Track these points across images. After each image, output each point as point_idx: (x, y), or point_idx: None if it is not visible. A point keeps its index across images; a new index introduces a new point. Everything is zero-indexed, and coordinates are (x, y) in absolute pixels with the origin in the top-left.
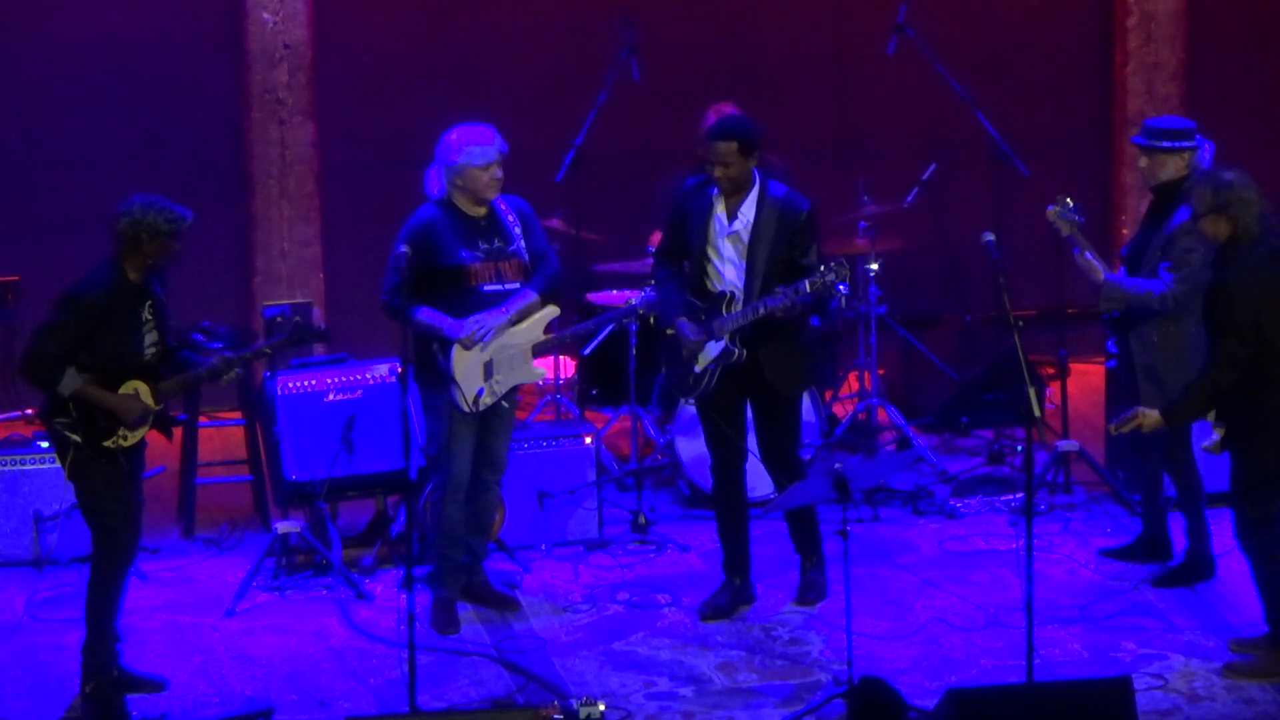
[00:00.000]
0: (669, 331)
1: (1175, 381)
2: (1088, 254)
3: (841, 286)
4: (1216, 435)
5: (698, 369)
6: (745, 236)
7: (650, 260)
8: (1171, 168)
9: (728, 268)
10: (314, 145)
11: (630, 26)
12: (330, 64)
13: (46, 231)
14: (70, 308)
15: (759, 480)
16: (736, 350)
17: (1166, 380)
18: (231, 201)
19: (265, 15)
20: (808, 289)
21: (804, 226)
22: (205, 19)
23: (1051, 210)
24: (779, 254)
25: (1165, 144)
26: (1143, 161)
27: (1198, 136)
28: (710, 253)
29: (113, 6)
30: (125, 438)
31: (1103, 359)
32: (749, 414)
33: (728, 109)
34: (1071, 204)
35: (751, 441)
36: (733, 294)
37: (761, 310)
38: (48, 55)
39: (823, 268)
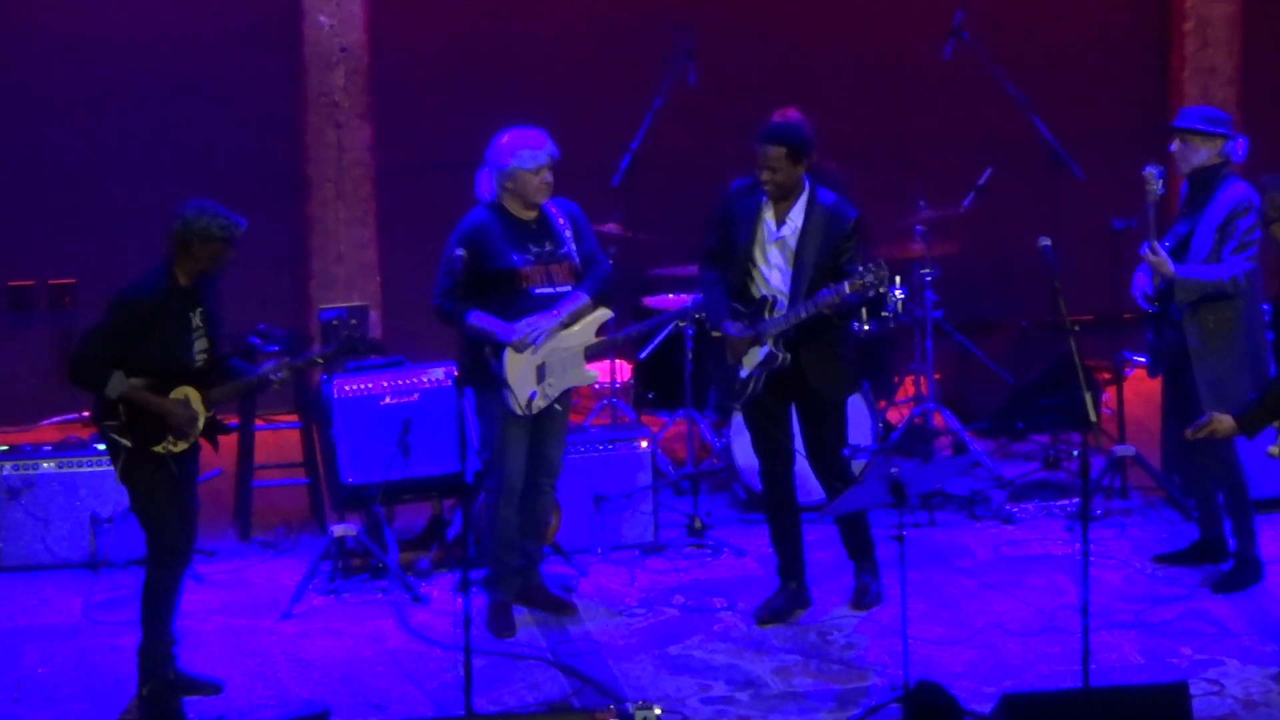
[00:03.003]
0: (715, 334)
1: (1228, 365)
2: (1160, 249)
3: (899, 290)
4: (1279, 439)
5: (743, 374)
6: (792, 243)
7: None
8: (1204, 152)
9: (774, 273)
10: (370, 148)
11: (687, 31)
12: (386, 67)
13: (103, 234)
14: (118, 310)
15: (815, 484)
16: (780, 355)
17: (1220, 365)
18: (288, 204)
19: (322, 18)
20: (847, 290)
21: (851, 234)
22: (261, 22)
23: (1148, 172)
24: (825, 261)
25: (1200, 126)
26: (1175, 145)
27: (1232, 130)
28: (756, 257)
29: (170, 9)
30: (175, 443)
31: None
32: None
33: (792, 115)
34: (1159, 174)
35: (800, 445)
36: (774, 299)
37: (803, 313)
38: (105, 58)
39: (860, 269)
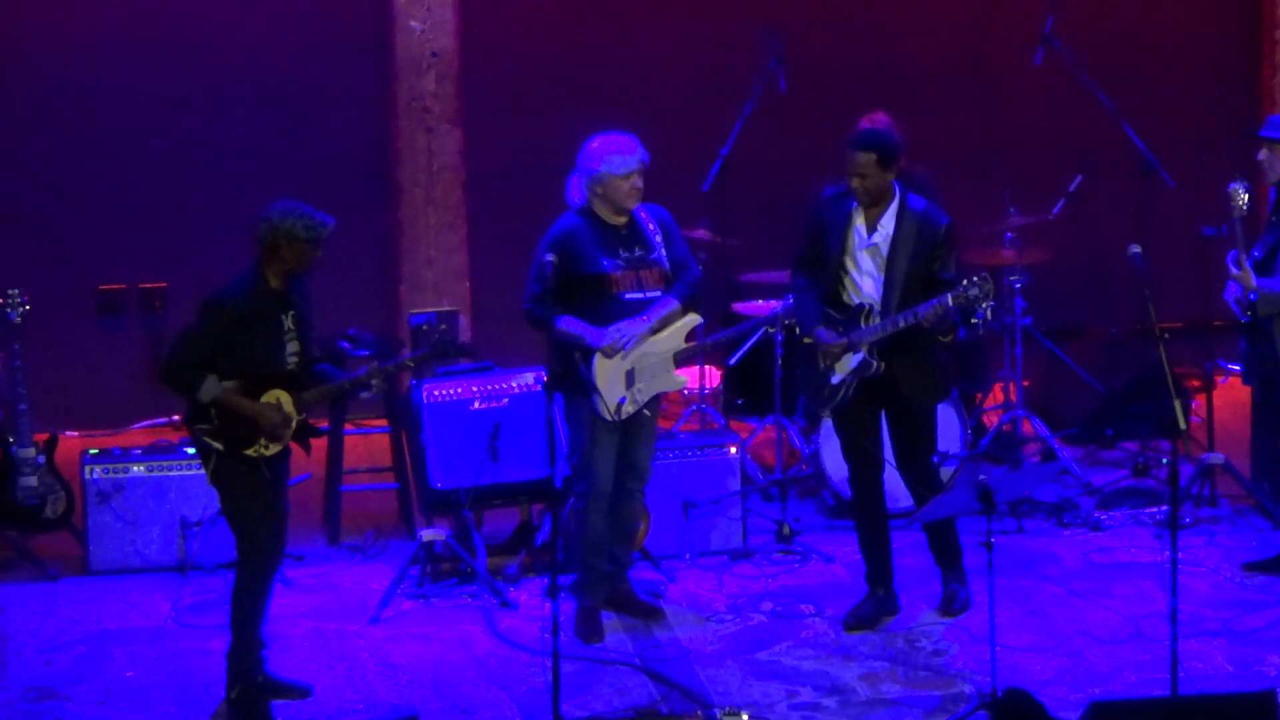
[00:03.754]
0: (806, 340)
1: None
2: (1247, 261)
3: None
4: None
5: (835, 380)
6: (884, 249)
7: None
8: None
9: (865, 280)
10: (460, 153)
11: (777, 37)
12: (477, 72)
13: (194, 238)
14: (210, 314)
15: (903, 491)
16: (875, 363)
17: None
18: (378, 209)
19: (413, 23)
20: (950, 302)
21: (943, 241)
22: (353, 27)
23: (1233, 189)
24: (917, 268)
25: None
26: (1263, 154)
27: None
28: (848, 264)
29: (261, 15)
30: (266, 446)
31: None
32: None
33: (881, 119)
34: (1245, 189)
35: (889, 453)
36: (870, 307)
37: (901, 323)
38: (197, 63)
39: (965, 282)
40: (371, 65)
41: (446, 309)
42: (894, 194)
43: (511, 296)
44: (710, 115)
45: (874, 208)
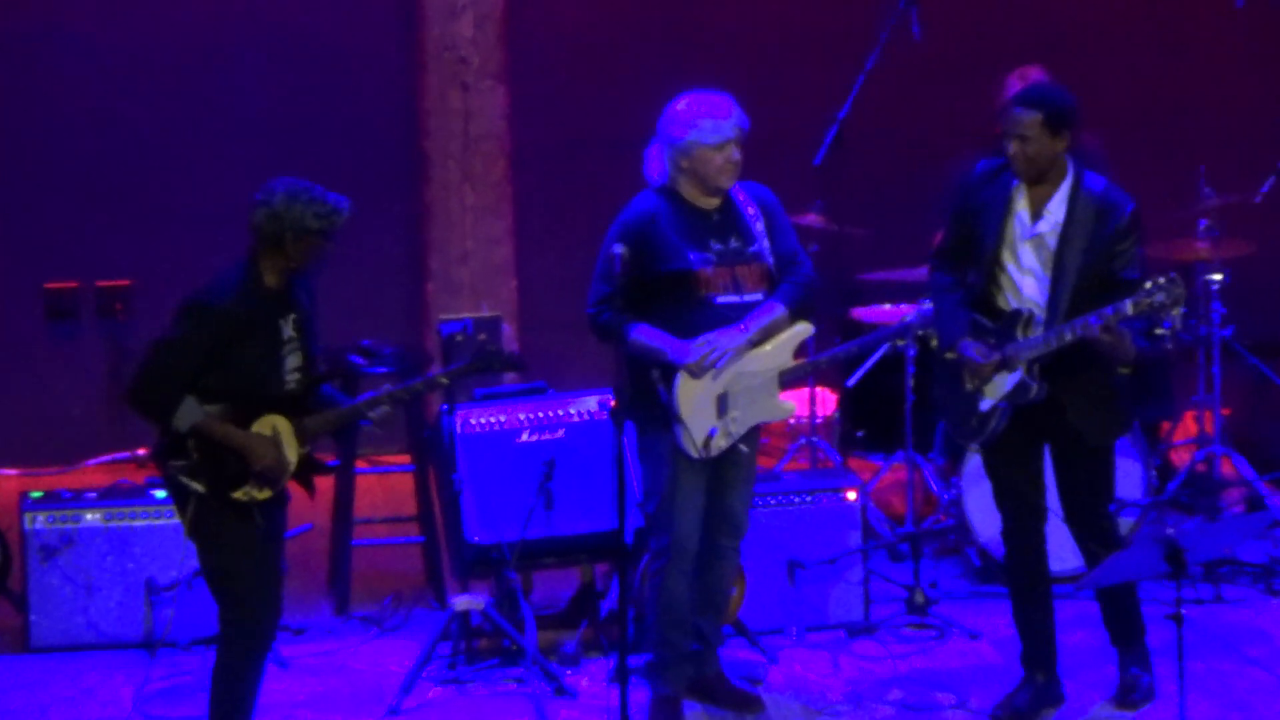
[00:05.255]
0: (949, 355)
1: None
2: None
3: None
4: None
5: (984, 406)
6: (1052, 241)
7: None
8: None
9: (1027, 280)
10: (505, 117)
11: None
12: (526, 15)
13: (165, 225)
14: (192, 319)
15: (1070, 549)
16: (1035, 385)
17: None
18: (401, 188)
19: None
20: (1130, 310)
21: (1126, 232)
22: None
23: None
24: (1093, 265)
25: None
26: None
27: None
28: (1006, 258)
29: None
30: (259, 489)
31: None
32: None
33: (1035, 74)
34: None
35: (1053, 499)
36: (1031, 313)
37: (1069, 335)
38: (173, 10)
39: (1149, 284)
40: (393, 6)
41: (487, 315)
42: (1066, 171)
43: (570, 300)
44: (824, 70)
45: (1040, 187)
